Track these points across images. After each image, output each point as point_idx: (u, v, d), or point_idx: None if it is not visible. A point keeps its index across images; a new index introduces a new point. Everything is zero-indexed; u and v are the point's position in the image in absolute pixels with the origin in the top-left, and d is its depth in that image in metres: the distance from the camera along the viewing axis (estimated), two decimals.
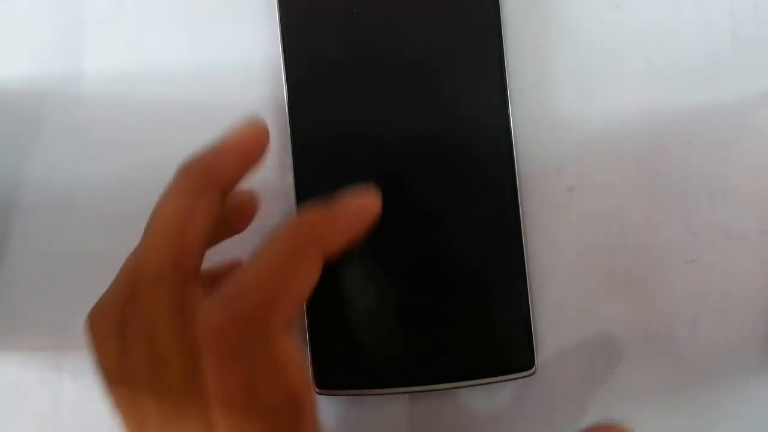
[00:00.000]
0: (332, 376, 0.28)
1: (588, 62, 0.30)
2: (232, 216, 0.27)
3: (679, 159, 0.30)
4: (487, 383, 0.28)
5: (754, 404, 0.29)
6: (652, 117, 0.30)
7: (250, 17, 0.30)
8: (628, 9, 0.30)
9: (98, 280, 0.30)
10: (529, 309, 0.28)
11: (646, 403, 0.29)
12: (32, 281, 0.30)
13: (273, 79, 0.30)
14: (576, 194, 0.30)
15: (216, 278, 0.27)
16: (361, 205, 0.24)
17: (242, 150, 0.24)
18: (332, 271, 0.28)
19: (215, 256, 0.30)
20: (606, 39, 0.30)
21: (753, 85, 0.30)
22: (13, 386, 0.30)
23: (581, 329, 0.29)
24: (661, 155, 0.30)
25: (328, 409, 0.30)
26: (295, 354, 0.22)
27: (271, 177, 0.30)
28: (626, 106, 0.30)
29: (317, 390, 0.28)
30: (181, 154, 0.30)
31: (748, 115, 0.30)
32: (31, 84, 0.30)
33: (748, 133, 0.30)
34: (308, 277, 0.23)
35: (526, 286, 0.28)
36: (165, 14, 0.31)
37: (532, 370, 0.28)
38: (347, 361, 0.28)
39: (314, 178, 0.29)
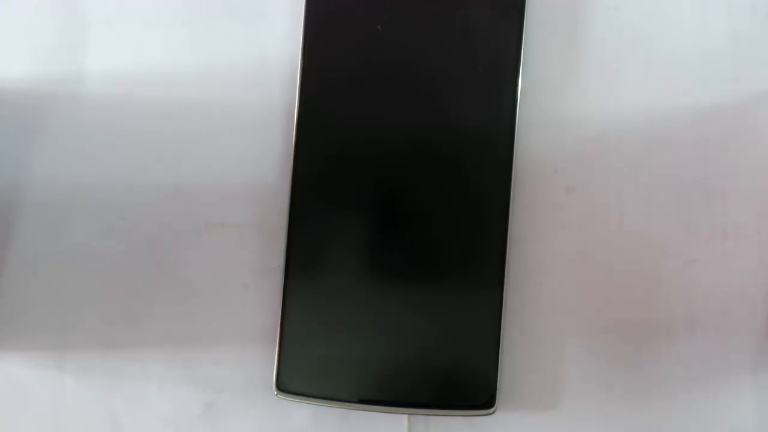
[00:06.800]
0: (293, 381, 0.28)
1: (587, 62, 0.30)
2: None
3: (678, 159, 0.30)
4: (441, 415, 0.29)
5: (751, 403, 0.29)
6: (650, 117, 0.30)
7: (251, 18, 0.30)
8: (627, 9, 0.30)
9: (99, 280, 0.30)
10: (498, 348, 0.28)
11: (645, 402, 0.29)
12: (33, 281, 0.30)
13: (274, 81, 0.30)
14: (574, 194, 0.30)
15: None
16: None
17: None
18: (315, 278, 0.28)
19: (214, 257, 0.30)
20: (605, 39, 0.30)
21: (751, 85, 0.30)
22: (15, 386, 0.30)
23: (580, 329, 0.29)
24: (659, 155, 0.30)
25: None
26: None
27: (271, 178, 0.30)
28: (625, 106, 0.30)
29: (276, 392, 0.28)
30: (181, 155, 0.30)
31: (747, 115, 0.30)
32: (32, 84, 0.31)
33: (747, 133, 0.30)
34: None
35: (500, 324, 0.28)
36: (167, 15, 0.31)
37: (492, 409, 0.28)
38: (310, 369, 0.28)
39: (312, 181, 0.29)
